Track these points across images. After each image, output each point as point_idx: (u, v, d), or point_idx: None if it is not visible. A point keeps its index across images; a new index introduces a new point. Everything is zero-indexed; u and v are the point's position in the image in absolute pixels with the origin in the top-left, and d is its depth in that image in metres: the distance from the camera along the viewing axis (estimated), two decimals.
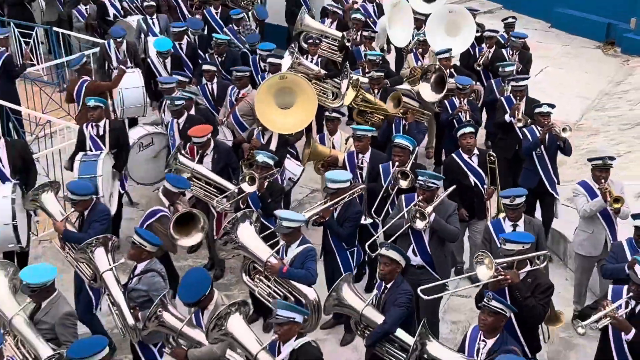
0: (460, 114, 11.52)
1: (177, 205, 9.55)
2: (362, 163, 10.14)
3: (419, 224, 8.44)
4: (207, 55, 14.04)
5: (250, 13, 16.12)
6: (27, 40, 16.56)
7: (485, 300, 6.86)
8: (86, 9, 16.31)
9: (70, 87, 12.91)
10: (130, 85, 12.88)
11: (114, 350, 9.02)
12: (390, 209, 9.54)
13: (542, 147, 10.49)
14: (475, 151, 10.09)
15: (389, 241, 8.45)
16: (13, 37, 16.26)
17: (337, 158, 10.73)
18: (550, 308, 7.96)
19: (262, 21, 16.18)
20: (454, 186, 9.37)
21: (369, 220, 9.73)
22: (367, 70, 12.88)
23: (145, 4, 15.68)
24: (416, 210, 8.46)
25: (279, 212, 8.45)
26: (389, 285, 7.66)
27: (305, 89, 11.37)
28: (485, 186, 10.01)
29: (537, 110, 10.64)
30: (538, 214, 10.70)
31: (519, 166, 11.19)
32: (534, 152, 10.52)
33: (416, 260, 8.62)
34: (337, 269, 9.11)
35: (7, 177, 10.25)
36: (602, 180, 9.16)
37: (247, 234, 8.40)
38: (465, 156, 10.07)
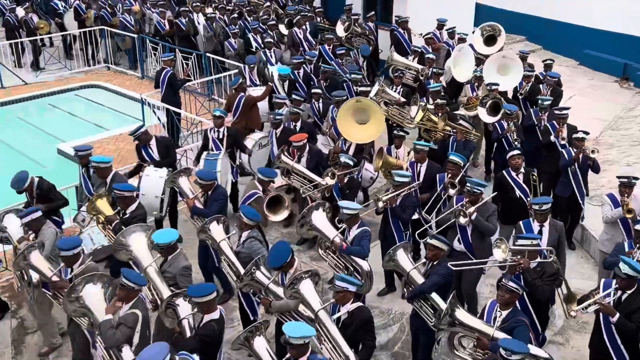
0: (507, 134, 10.79)
1: (268, 191, 9.34)
2: (419, 171, 9.59)
3: (461, 220, 8.09)
4: (316, 80, 13.60)
5: (357, 50, 15.56)
6: (187, 62, 16.51)
7: (503, 280, 6.67)
8: (235, 41, 16.02)
9: (229, 100, 12.59)
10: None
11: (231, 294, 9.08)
12: (442, 208, 9.09)
13: (575, 165, 9.78)
14: (522, 169, 9.39)
15: (437, 231, 8.13)
16: (177, 60, 16.31)
17: (402, 167, 10.19)
18: (568, 290, 7.60)
19: (366, 57, 15.62)
20: (496, 192, 9.00)
21: (416, 216, 9.34)
22: (432, 98, 12.10)
23: (265, 40, 15.42)
24: (459, 209, 8.11)
25: (341, 203, 8.11)
26: (434, 264, 7.27)
27: (376, 110, 10.96)
28: (528, 198, 9.22)
29: (575, 135, 9.91)
30: None
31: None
32: (569, 169, 9.83)
33: (460, 247, 8.22)
34: None
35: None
36: (626, 195, 8.54)
37: (319, 218, 8.08)
38: (513, 174, 9.36)
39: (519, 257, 7.17)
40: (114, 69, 18.72)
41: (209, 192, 8.90)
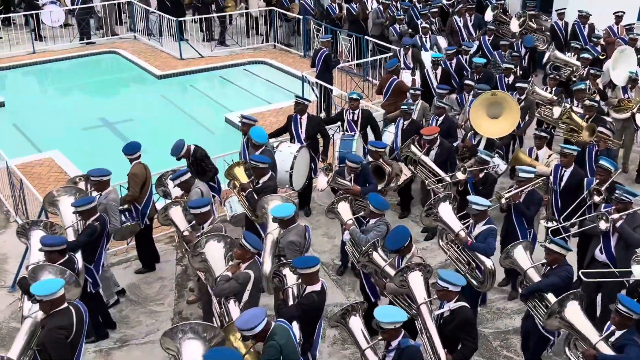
0: None
1: (379, 161, 9.47)
2: (562, 175, 9.03)
3: (602, 225, 7.63)
4: (468, 73, 13.17)
5: (520, 41, 14.97)
6: (346, 44, 16.90)
7: (615, 302, 6.19)
8: (399, 27, 16.02)
9: (382, 82, 12.73)
10: (407, 80, 12.83)
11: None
12: (586, 213, 8.58)
13: None
14: None
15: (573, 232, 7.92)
16: (338, 42, 16.79)
17: (533, 167, 9.57)
18: None
19: (529, 48, 14.95)
20: None
21: (551, 224, 8.81)
22: (576, 99, 11.47)
23: (422, 26, 15.26)
24: (602, 214, 7.66)
25: (470, 197, 7.89)
26: (554, 267, 6.97)
27: (511, 105, 10.48)
28: None
29: None
30: None
31: None
32: None
33: (602, 257, 7.76)
34: None
35: (301, 139, 10.47)
36: None
37: (446, 210, 7.93)
38: None
39: None
40: (279, 47, 19.40)
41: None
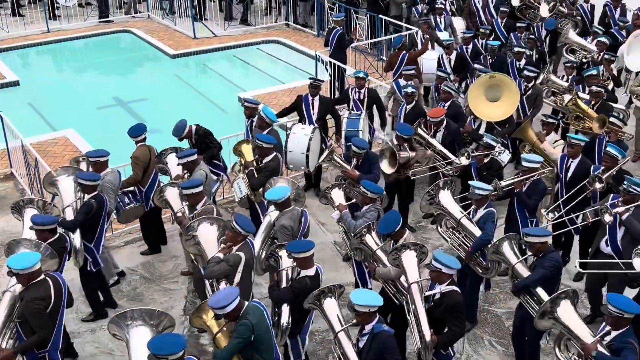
0: None
1: (397, 146, 9.51)
2: (569, 166, 8.94)
3: (607, 218, 7.59)
4: (481, 57, 13.14)
5: (541, 24, 14.94)
6: (360, 23, 17.05)
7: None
8: (422, 7, 16.02)
9: (392, 59, 12.90)
10: (429, 57, 12.95)
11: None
12: (590, 202, 8.67)
13: None
14: None
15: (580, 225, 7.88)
16: (350, 20, 16.89)
17: (541, 141, 9.70)
18: None
19: (550, 31, 14.83)
20: None
21: (552, 216, 8.73)
22: (587, 85, 11.35)
23: (437, 6, 15.26)
24: (606, 207, 7.65)
25: (473, 182, 8.01)
26: (540, 256, 7.02)
27: (510, 87, 10.47)
28: None
29: None
30: None
31: None
32: None
33: (607, 249, 7.77)
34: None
35: (313, 121, 10.69)
36: None
37: (446, 197, 8.07)
38: None
39: None
40: (293, 26, 19.62)
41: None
